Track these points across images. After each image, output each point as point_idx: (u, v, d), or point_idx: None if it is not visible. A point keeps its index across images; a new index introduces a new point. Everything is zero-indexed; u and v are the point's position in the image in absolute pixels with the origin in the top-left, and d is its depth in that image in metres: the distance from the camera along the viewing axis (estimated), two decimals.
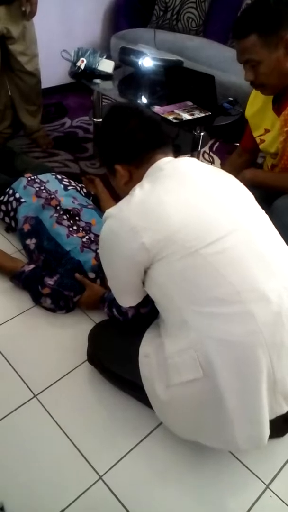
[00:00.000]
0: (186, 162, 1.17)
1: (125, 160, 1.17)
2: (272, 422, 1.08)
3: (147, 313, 1.31)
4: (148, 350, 1.19)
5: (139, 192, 1.09)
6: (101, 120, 1.27)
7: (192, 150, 2.27)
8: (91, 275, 1.66)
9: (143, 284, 1.15)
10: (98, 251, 1.69)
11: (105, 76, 2.41)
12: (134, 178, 1.17)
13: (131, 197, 1.09)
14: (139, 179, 1.15)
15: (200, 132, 2.16)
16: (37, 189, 1.93)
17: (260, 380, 1.02)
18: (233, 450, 1.16)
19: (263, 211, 1.18)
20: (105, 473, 1.23)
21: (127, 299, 1.24)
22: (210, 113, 2.11)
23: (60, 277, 1.63)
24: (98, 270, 1.66)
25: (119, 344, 1.33)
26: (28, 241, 1.80)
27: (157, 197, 1.07)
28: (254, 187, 1.33)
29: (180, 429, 1.21)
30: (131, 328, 1.34)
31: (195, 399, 1.09)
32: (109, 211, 1.11)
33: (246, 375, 1.02)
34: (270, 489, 1.22)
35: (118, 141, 1.17)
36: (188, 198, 1.07)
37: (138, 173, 1.16)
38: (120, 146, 1.17)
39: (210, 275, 1.02)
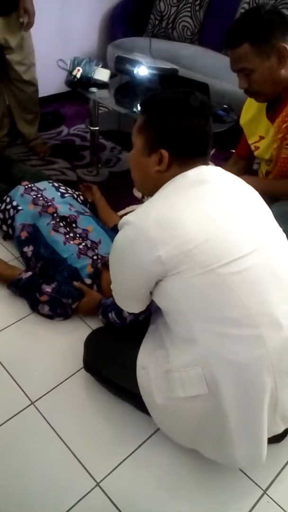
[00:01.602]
0: (211, 172, 1.10)
1: (176, 152, 1.08)
2: None
3: (144, 319, 1.32)
4: (146, 362, 1.18)
5: (158, 200, 1.05)
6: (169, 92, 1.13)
7: None
8: (88, 281, 1.67)
9: (151, 293, 1.12)
10: (94, 257, 1.71)
11: (101, 85, 2.43)
12: (168, 174, 1.09)
13: (150, 206, 1.04)
14: (171, 177, 1.08)
15: None
16: (34, 197, 1.94)
17: (263, 402, 1.03)
18: (230, 465, 1.16)
19: (280, 229, 1.15)
20: (103, 479, 1.23)
21: (132, 306, 1.21)
22: None
23: (58, 285, 1.64)
24: (95, 276, 1.67)
25: (116, 352, 1.32)
26: (25, 249, 1.81)
27: (177, 210, 1.01)
28: None
29: (178, 437, 1.22)
30: (128, 334, 1.34)
31: (196, 414, 1.09)
32: (127, 218, 1.05)
33: (250, 396, 1.03)
34: (268, 495, 1.22)
35: (186, 131, 1.06)
36: (209, 213, 1.02)
37: (175, 170, 1.08)
38: (184, 136, 1.07)
39: (226, 295, 0.99)
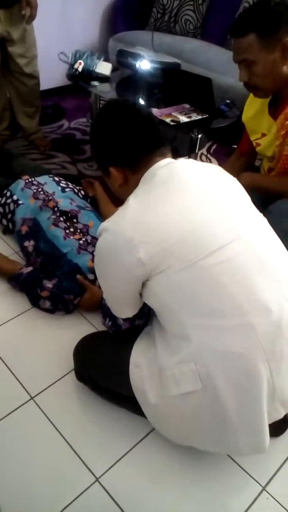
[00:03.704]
0: (182, 165, 1.11)
1: (120, 164, 1.12)
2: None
3: (141, 325, 1.29)
4: (139, 360, 1.17)
5: (133, 203, 1.06)
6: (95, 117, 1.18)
7: (189, 152, 2.27)
8: (91, 276, 1.66)
9: (141, 295, 1.12)
10: (94, 253, 1.70)
11: (103, 79, 2.42)
12: (130, 182, 1.13)
13: (125, 209, 1.05)
14: (135, 183, 1.11)
15: (198, 134, 2.17)
16: (35, 191, 1.93)
17: (261, 391, 1.02)
18: (234, 454, 1.16)
19: (261, 214, 1.15)
20: (102, 475, 1.23)
21: (124, 311, 1.21)
22: (207, 116, 2.12)
23: (59, 281, 1.63)
24: None
25: (109, 357, 1.29)
26: (26, 243, 1.80)
27: (152, 208, 1.03)
28: (251, 190, 1.33)
29: (173, 436, 1.21)
30: (121, 338, 1.31)
31: (192, 410, 1.08)
32: (104, 225, 1.07)
33: (247, 386, 1.02)
34: (267, 491, 1.23)
35: (113, 143, 1.11)
36: (184, 207, 1.03)
37: (134, 177, 1.12)
38: (115, 149, 1.12)
39: (211, 287, 0.99)
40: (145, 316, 1.27)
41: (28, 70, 2.44)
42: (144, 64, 2.35)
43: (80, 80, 2.41)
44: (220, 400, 1.03)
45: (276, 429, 1.27)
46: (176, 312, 1.05)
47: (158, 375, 1.11)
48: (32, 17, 2.25)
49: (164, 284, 1.02)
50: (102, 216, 1.97)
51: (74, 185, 2.09)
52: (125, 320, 1.26)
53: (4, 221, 1.99)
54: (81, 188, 2.13)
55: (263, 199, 1.50)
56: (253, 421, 1.05)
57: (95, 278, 1.66)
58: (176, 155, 1.17)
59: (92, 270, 1.67)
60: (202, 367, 1.02)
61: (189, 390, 1.05)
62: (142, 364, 1.17)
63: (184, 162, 1.13)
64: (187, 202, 1.03)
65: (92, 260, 1.68)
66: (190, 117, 2.09)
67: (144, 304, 1.18)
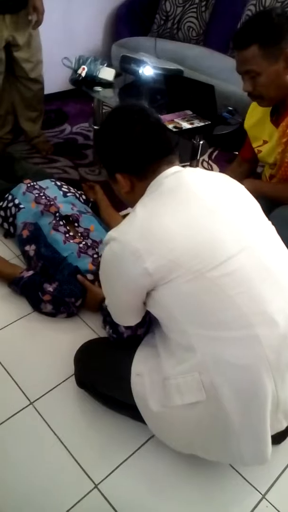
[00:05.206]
0: (189, 174, 1.10)
1: (127, 171, 1.12)
2: None
3: (143, 334, 1.28)
4: (141, 369, 1.17)
5: (140, 212, 1.05)
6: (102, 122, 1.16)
7: (191, 158, 2.28)
8: (90, 277, 1.67)
9: (145, 303, 1.11)
10: (95, 256, 1.70)
11: (106, 84, 2.42)
12: (136, 189, 1.12)
13: (133, 218, 1.05)
14: (142, 190, 1.11)
15: (199, 141, 2.17)
16: (36, 195, 1.93)
17: (265, 402, 1.02)
18: (236, 463, 1.15)
19: (269, 222, 1.14)
20: (101, 481, 1.22)
21: (127, 319, 1.20)
22: (209, 122, 2.13)
23: (60, 284, 1.63)
24: (96, 272, 1.67)
25: (109, 364, 1.28)
26: (27, 247, 1.80)
27: (159, 219, 1.02)
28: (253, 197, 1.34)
29: (175, 444, 1.20)
30: (122, 347, 1.30)
31: (195, 420, 1.08)
32: (111, 234, 1.06)
33: (251, 398, 1.02)
34: (266, 499, 1.22)
35: (120, 150, 1.11)
36: (191, 217, 1.02)
37: (141, 184, 1.11)
38: (122, 156, 1.11)
39: (217, 298, 0.99)
40: (146, 325, 1.27)
41: (33, 75, 2.45)
42: (147, 70, 2.35)
43: (83, 85, 2.42)
44: (224, 410, 1.02)
45: (277, 437, 1.26)
46: (181, 322, 1.04)
47: (161, 384, 1.11)
48: (38, 22, 2.27)
49: (170, 294, 1.02)
50: (102, 220, 1.97)
51: (75, 190, 2.09)
52: (127, 328, 1.25)
53: (5, 225, 1.99)
54: (82, 192, 2.13)
55: (269, 205, 1.50)
56: (256, 431, 1.05)
57: (95, 279, 1.66)
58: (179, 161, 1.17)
59: (92, 272, 1.67)
60: (206, 377, 1.02)
61: (193, 400, 1.04)
62: (144, 373, 1.16)
63: (191, 171, 1.12)
64: (194, 213, 1.03)
65: (92, 263, 1.68)
66: (192, 123, 2.10)
67: (146, 313, 1.18)
